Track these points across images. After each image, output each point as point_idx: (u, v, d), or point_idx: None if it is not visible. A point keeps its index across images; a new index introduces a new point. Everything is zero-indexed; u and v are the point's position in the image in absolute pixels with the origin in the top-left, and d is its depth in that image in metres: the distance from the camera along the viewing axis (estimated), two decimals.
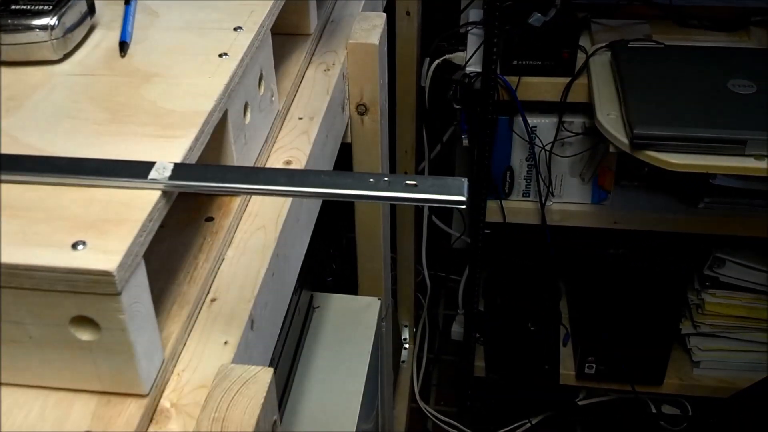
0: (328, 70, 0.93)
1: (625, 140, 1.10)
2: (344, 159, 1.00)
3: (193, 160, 0.58)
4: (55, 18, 0.65)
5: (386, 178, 0.52)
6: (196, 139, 0.59)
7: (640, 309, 1.60)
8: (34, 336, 0.49)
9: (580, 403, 1.76)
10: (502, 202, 1.46)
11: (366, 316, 1.00)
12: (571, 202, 1.46)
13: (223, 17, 0.74)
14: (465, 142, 1.45)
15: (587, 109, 1.35)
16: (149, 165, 0.54)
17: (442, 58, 1.41)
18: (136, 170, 0.53)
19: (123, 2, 0.75)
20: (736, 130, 1.06)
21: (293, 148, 0.79)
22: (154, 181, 0.53)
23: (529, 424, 1.74)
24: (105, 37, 0.71)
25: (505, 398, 1.75)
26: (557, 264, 1.65)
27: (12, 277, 0.48)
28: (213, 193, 0.56)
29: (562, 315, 1.78)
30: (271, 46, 0.77)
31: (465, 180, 0.52)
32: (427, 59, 1.45)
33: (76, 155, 0.56)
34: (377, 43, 0.96)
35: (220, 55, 0.68)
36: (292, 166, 0.76)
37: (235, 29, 0.72)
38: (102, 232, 0.49)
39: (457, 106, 1.39)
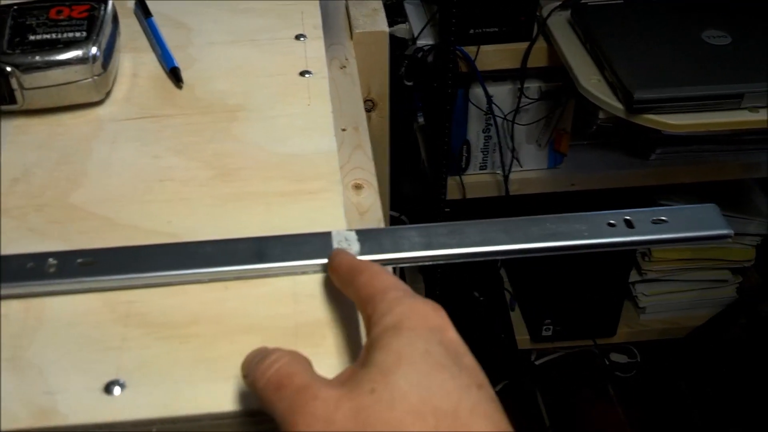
0: (344, 67, 0.80)
1: (619, 105, 1.05)
2: None
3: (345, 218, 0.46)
4: (95, 47, 0.50)
5: (627, 217, 0.42)
6: (342, 190, 0.46)
7: (588, 266, 1.59)
8: None
9: (536, 363, 1.75)
10: (462, 177, 1.38)
11: None
12: (528, 169, 1.40)
13: (271, 23, 0.60)
14: (421, 120, 1.36)
15: (542, 73, 1.29)
16: (324, 237, 0.41)
17: None
18: (310, 246, 0.41)
19: (137, 15, 0.60)
20: (732, 84, 1.03)
21: (355, 167, 0.67)
22: None
23: None
24: (139, 63, 0.56)
25: None
26: None
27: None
28: (409, 264, 0.44)
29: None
30: None
31: (714, 206, 0.44)
32: None
33: (201, 234, 0.43)
34: (387, 29, 0.84)
35: (302, 74, 0.55)
36: (364, 192, 0.64)
37: (297, 37, 0.59)
38: (313, 344, 0.37)
39: (409, 83, 1.29)
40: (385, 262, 0.41)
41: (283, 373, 0.31)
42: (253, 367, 0.33)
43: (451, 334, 0.33)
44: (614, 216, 0.42)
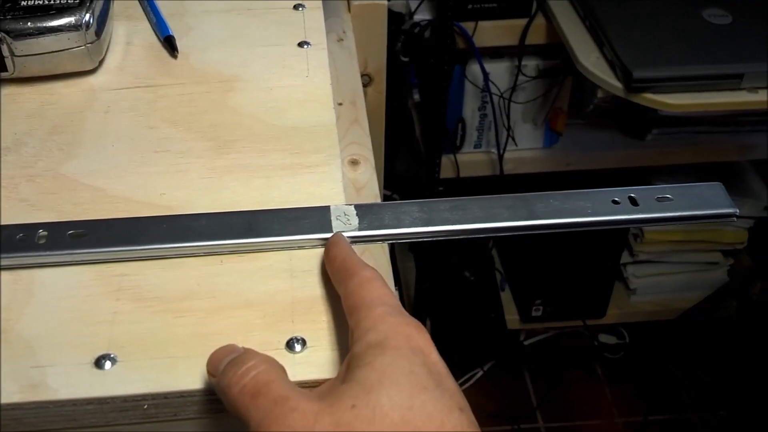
0: (341, 40, 0.79)
1: (618, 84, 1.04)
2: None
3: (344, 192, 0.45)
4: (88, 13, 0.48)
5: (632, 194, 0.42)
6: (340, 164, 0.45)
7: (579, 246, 1.59)
8: None
9: (525, 343, 1.75)
10: (456, 155, 1.37)
11: None
12: (523, 148, 1.39)
13: None
14: (416, 97, 1.34)
15: (541, 51, 1.28)
16: (322, 212, 0.41)
17: None
18: (308, 221, 0.40)
19: None
20: (731, 64, 1.03)
21: (351, 142, 0.66)
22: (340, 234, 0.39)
23: (481, 372, 1.71)
24: (133, 32, 0.54)
25: (455, 351, 1.71)
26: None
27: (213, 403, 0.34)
28: (409, 240, 0.43)
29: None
30: None
31: (719, 185, 0.43)
32: None
33: (197, 207, 0.42)
34: (385, 2, 0.82)
35: (301, 44, 0.54)
36: (361, 167, 0.63)
37: (295, 7, 0.58)
38: (310, 320, 0.36)
39: (405, 59, 1.28)
40: (385, 238, 0.40)
41: (261, 381, 0.31)
42: (226, 370, 0.32)
43: (434, 356, 0.32)
44: (619, 193, 0.42)
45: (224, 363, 0.32)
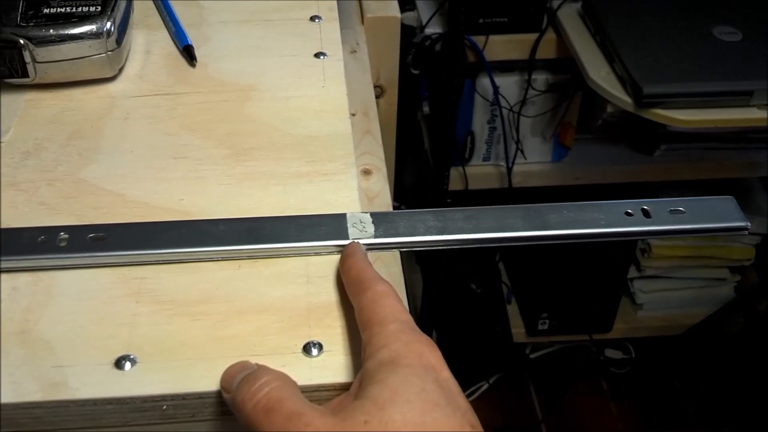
0: (355, 52, 0.80)
1: (628, 99, 1.05)
2: None
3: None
4: (109, 22, 0.49)
5: (645, 207, 0.42)
6: (356, 172, 0.46)
7: (586, 261, 1.59)
8: None
9: (531, 356, 1.75)
10: (465, 168, 1.37)
11: None
12: (532, 162, 1.40)
13: (286, 4, 0.60)
14: (426, 109, 1.35)
15: (550, 65, 1.29)
16: (338, 219, 0.41)
17: None
18: (324, 228, 0.41)
19: None
20: (741, 81, 1.03)
21: (365, 152, 0.67)
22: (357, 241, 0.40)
23: (486, 385, 1.71)
24: (152, 41, 0.55)
25: (461, 363, 1.71)
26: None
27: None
28: (423, 249, 0.43)
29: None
30: None
31: (731, 198, 0.43)
32: None
33: (215, 213, 0.42)
34: (398, 15, 0.83)
35: (317, 55, 0.55)
36: (374, 177, 0.64)
37: (312, 19, 0.59)
38: (326, 325, 0.37)
39: (415, 71, 1.29)
40: (400, 246, 0.41)
41: (274, 397, 0.31)
42: (240, 386, 0.32)
43: (446, 373, 0.33)
44: (632, 205, 0.42)
45: (238, 379, 0.33)
